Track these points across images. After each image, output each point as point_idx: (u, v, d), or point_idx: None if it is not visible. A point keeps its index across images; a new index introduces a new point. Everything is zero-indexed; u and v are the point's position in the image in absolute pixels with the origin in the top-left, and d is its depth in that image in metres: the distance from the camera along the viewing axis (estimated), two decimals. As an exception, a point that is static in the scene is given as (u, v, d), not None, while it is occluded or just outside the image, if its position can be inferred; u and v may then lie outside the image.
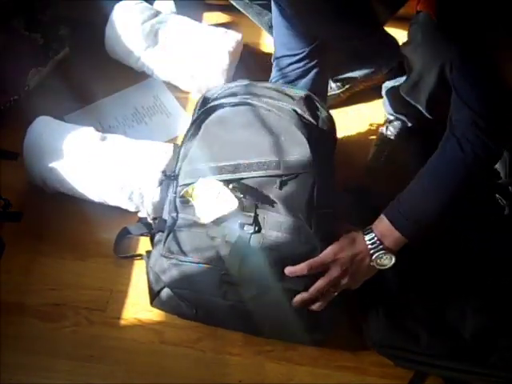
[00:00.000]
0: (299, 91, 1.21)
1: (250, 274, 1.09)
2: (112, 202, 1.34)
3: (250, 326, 1.16)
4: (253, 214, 1.12)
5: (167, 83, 1.57)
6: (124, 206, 1.34)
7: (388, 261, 1.07)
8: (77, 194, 1.35)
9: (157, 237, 1.20)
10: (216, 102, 1.18)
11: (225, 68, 1.49)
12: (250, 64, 1.60)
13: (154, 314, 1.26)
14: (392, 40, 1.47)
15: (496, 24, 0.91)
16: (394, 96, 1.41)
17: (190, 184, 1.15)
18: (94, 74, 1.56)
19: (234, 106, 1.17)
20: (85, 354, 1.22)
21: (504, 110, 0.98)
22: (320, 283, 1.07)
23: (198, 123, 1.19)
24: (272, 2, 1.22)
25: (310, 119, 1.17)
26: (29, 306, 1.28)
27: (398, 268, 1.09)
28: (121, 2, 1.56)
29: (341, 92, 1.52)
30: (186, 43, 1.52)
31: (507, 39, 0.90)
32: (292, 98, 1.19)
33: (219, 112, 1.17)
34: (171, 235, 1.14)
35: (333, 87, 1.52)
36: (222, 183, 1.13)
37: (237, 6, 1.46)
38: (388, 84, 1.46)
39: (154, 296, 1.19)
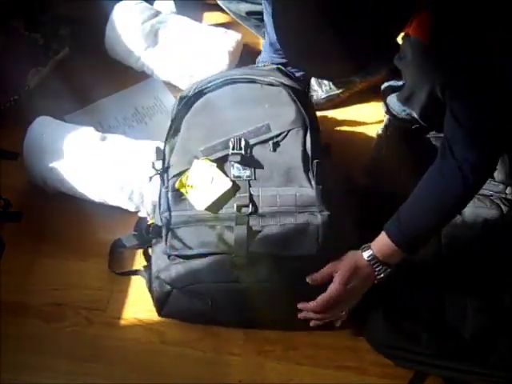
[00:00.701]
0: (269, 66, 1.26)
1: (258, 254, 1.09)
2: (112, 202, 1.34)
3: (265, 311, 1.15)
4: (247, 194, 1.13)
5: (167, 83, 1.57)
6: (124, 206, 1.34)
7: (384, 273, 1.07)
8: (77, 194, 1.35)
9: (155, 247, 1.21)
10: (192, 93, 1.20)
11: (225, 68, 1.49)
12: (250, 64, 1.60)
13: (154, 314, 1.26)
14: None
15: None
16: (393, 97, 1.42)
17: (182, 173, 1.16)
18: (94, 74, 1.56)
19: (213, 89, 1.20)
20: (85, 353, 1.22)
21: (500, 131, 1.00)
22: (322, 297, 1.08)
23: (178, 119, 1.20)
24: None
25: (288, 83, 1.19)
26: (29, 306, 1.28)
27: (399, 268, 1.09)
28: (121, 2, 1.56)
29: (340, 92, 1.52)
30: (186, 43, 1.52)
31: None
32: (265, 70, 1.23)
33: (199, 102, 1.20)
34: (170, 234, 1.14)
35: (332, 87, 1.52)
36: (215, 165, 1.14)
37: (235, 18, 1.47)
38: (386, 84, 1.47)
39: (161, 305, 1.19)
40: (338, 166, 1.44)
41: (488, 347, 1.11)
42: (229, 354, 1.22)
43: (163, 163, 1.21)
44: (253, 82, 1.20)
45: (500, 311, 1.14)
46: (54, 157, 1.33)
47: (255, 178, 1.15)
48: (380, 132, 1.45)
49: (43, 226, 1.37)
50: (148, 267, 1.23)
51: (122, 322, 1.26)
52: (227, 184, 1.13)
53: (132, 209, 1.34)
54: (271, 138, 1.16)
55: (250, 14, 1.41)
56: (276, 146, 1.16)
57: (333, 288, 1.06)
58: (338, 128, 1.50)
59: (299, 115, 1.17)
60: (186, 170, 1.16)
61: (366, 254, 1.06)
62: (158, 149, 1.29)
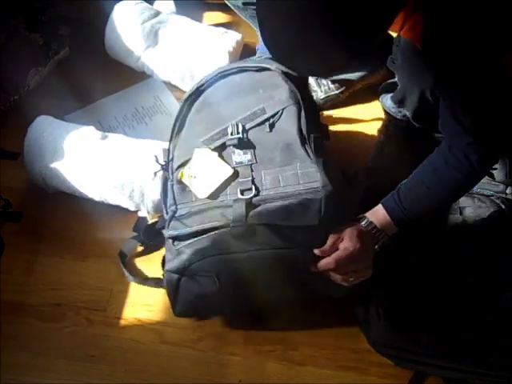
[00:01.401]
0: (262, 56, 1.28)
1: (257, 225, 1.10)
2: (112, 201, 1.34)
3: (269, 284, 1.13)
4: (250, 179, 1.14)
5: (167, 83, 1.57)
6: (124, 205, 1.34)
7: (383, 240, 1.09)
8: (77, 193, 1.35)
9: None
10: (191, 93, 1.23)
11: (225, 68, 1.49)
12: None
13: (154, 314, 1.26)
14: (388, 38, 1.47)
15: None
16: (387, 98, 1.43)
17: (184, 163, 1.17)
18: (93, 74, 1.56)
19: (209, 85, 1.23)
20: (85, 353, 1.22)
21: (498, 124, 1.02)
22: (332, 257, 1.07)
23: (181, 119, 1.23)
24: None
25: (278, 68, 1.21)
26: (29, 306, 1.28)
27: (400, 268, 1.10)
28: (121, 2, 1.56)
29: (340, 92, 1.52)
30: (186, 43, 1.52)
31: None
32: (258, 59, 1.27)
33: (198, 100, 1.23)
34: (173, 220, 1.15)
35: (331, 87, 1.52)
36: (215, 153, 1.16)
37: (232, 8, 1.46)
38: (383, 84, 1.47)
39: (174, 300, 1.17)
40: (338, 165, 1.45)
41: (488, 347, 1.11)
42: (229, 353, 1.22)
43: (167, 157, 1.22)
44: (244, 70, 1.23)
45: (501, 310, 1.14)
46: (55, 156, 1.33)
47: (257, 161, 1.16)
48: (380, 132, 1.45)
49: (43, 226, 1.37)
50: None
51: (122, 322, 1.26)
52: (228, 171, 1.15)
53: (132, 208, 1.34)
54: (267, 119, 1.18)
55: (246, 4, 1.41)
56: (272, 126, 1.18)
57: (342, 246, 1.07)
58: (338, 128, 1.50)
59: (292, 94, 1.19)
60: (188, 159, 1.17)
61: (364, 222, 1.09)
62: (164, 150, 1.30)
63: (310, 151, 1.15)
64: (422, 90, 1.21)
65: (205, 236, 1.12)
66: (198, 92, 1.23)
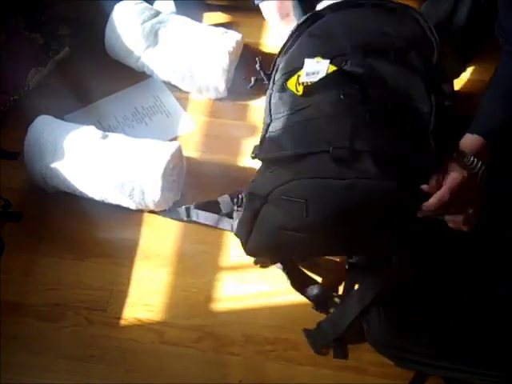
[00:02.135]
0: None
1: (363, 142, 0.98)
2: (112, 200, 1.34)
3: (365, 221, 1.00)
4: (357, 86, 1.01)
5: (167, 83, 1.57)
6: (125, 204, 1.34)
7: (482, 171, 1.04)
8: (77, 193, 1.35)
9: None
10: (307, 17, 1.15)
11: (225, 68, 1.49)
12: (250, 64, 1.60)
13: (154, 314, 1.26)
14: None
15: None
16: None
17: (292, 72, 1.09)
18: (94, 74, 1.56)
19: (331, 12, 1.15)
20: (85, 353, 1.22)
21: None
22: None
23: (293, 39, 1.15)
24: None
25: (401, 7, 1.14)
26: (29, 306, 1.28)
27: (403, 269, 1.09)
28: (121, 2, 1.56)
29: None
30: (186, 43, 1.52)
31: None
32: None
33: (313, 26, 1.15)
34: (268, 139, 1.07)
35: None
36: (327, 61, 1.06)
37: None
38: None
39: (249, 230, 1.08)
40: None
41: (489, 347, 1.11)
42: (229, 353, 1.22)
43: (272, 68, 1.17)
44: (377, 6, 1.14)
45: (500, 312, 1.13)
46: (55, 156, 1.33)
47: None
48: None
49: (43, 226, 1.37)
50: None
51: (122, 322, 1.26)
52: (326, 64, 1.05)
53: (132, 207, 1.35)
54: (393, 50, 1.07)
55: None
56: (398, 58, 1.06)
57: (450, 178, 1.01)
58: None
59: (426, 37, 1.09)
60: (296, 68, 1.09)
61: (457, 155, 1.04)
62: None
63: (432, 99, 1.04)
64: None
65: (299, 156, 1.00)
66: (314, 17, 1.15)
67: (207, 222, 1.33)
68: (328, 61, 1.06)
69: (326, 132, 1.00)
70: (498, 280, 1.15)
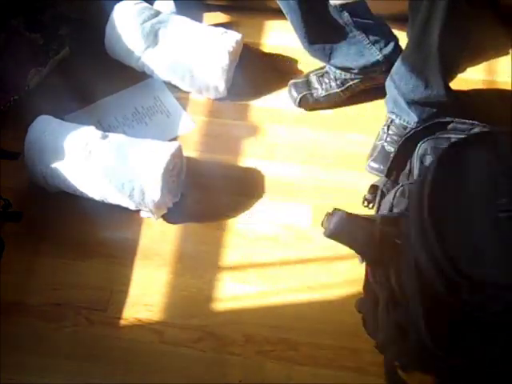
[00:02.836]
0: None
1: None
2: (112, 200, 1.34)
3: None
4: None
5: (167, 83, 1.57)
6: (124, 204, 1.34)
7: None
8: (77, 193, 1.35)
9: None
10: None
11: (225, 68, 1.49)
12: (250, 64, 1.60)
13: (154, 314, 1.26)
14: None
15: None
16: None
17: None
18: (94, 74, 1.56)
19: None
20: (85, 353, 1.22)
21: None
22: None
23: None
24: None
25: None
26: (29, 306, 1.28)
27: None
28: (121, 2, 1.56)
29: (341, 91, 1.52)
30: (186, 43, 1.52)
31: None
32: None
33: None
34: None
35: (333, 86, 1.52)
36: None
37: None
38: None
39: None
40: (338, 165, 1.45)
41: None
42: (229, 353, 1.22)
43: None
44: None
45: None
46: (55, 155, 1.33)
47: None
48: (382, 131, 1.45)
49: (43, 226, 1.37)
50: None
51: (122, 322, 1.26)
52: None
53: (132, 207, 1.35)
54: None
55: None
56: None
57: None
58: (338, 128, 1.51)
59: None
60: None
61: None
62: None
63: None
64: None
65: None
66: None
67: None
68: None
69: None
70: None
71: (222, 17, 1.69)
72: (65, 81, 1.55)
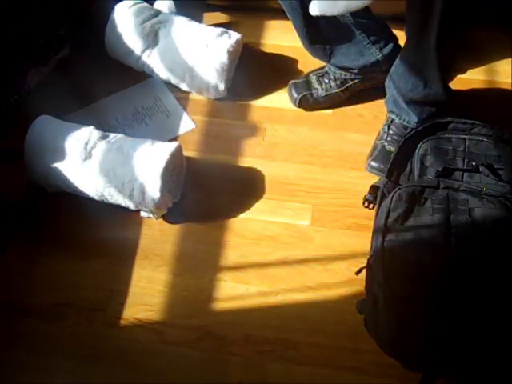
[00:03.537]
0: None
1: None
2: (112, 200, 1.34)
3: None
4: None
5: (167, 83, 1.57)
6: (124, 204, 1.34)
7: None
8: (77, 192, 1.35)
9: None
10: None
11: (225, 68, 1.49)
12: (250, 64, 1.60)
13: (154, 314, 1.26)
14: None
15: None
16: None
17: None
18: (94, 74, 1.56)
19: None
20: (85, 353, 1.22)
21: None
22: None
23: None
24: None
25: None
26: (29, 306, 1.28)
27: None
28: (121, 2, 1.56)
29: (341, 91, 1.52)
30: (186, 43, 1.52)
31: None
32: None
33: None
34: None
35: (332, 86, 1.52)
36: None
37: None
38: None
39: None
40: (338, 165, 1.45)
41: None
42: (229, 353, 1.22)
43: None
44: None
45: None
46: (55, 155, 1.33)
47: None
48: (382, 131, 1.45)
49: (43, 226, 1.37)
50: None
51: (122, 322, 1.26)
52: None
53: (132, 207, 1.35)
54: None
55: None
56: None
57: None
58: (338, 128, 1.51)
59: None
60: None
61: None
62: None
63: None
64: None
65: None
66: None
67: None
68: None
69: None
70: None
71: (222, 17, 1.69)
72: (65, 81, 1.55)
